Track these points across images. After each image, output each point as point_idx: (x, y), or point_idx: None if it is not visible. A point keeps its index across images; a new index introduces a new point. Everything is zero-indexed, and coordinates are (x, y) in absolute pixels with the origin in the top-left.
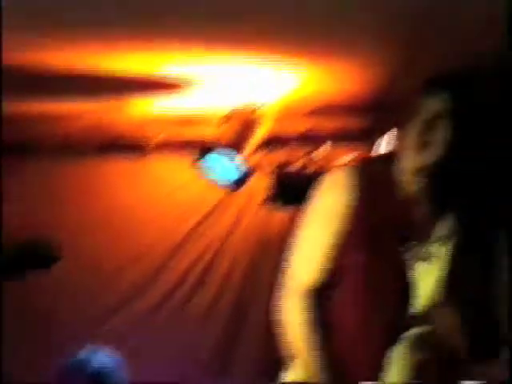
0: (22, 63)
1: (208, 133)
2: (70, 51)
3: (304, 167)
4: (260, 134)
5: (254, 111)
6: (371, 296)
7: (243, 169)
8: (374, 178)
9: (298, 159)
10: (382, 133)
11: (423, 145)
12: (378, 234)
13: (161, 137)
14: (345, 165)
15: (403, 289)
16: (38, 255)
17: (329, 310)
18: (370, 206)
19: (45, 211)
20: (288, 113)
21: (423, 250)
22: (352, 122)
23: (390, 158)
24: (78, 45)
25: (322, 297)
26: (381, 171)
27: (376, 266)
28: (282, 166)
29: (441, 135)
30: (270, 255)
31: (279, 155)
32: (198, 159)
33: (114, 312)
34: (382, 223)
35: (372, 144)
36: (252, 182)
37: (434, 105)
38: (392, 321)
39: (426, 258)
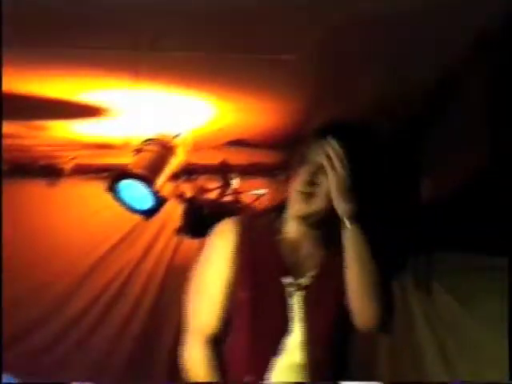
0: None
1: (123, 160)
2: None
3: (215, 199)
4: (174, 163)
5: (169, 141)
6: (257, 328)
7: (156, 197)
8: (256, 227)
9: (210, 191)
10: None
11: (308, 195)
12: (260, 274)
13: (76, 162)
14: (232, 216)
15: (287, 317)
16: None
17: (224, 350)
18: (251, 251)
19: None
20: (202, 144)
21: (300, 283)
22: (266, 157)
23: (277, 208)
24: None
25: (219, 341)
26: (264, 221)
27: (260, 301)
28: (193, 197)
29: (324, 187)
30: (181, 282)
31: (192, 186)
32: (112, 186)
33: (20, 338)
34: (263, 264)
35: (285, 179)
36: (165, 210)
37: (319, 155)
38: (277, 346)
39: (301, 292)
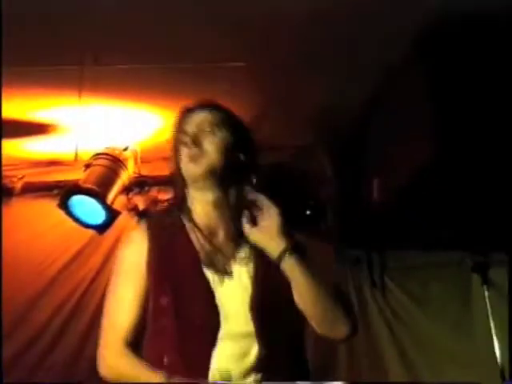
0: None
1: (73, 176)
2: None
3: (169, 211)
4: (125, 176)
5: (118, 154)
6: (181, 329)
7: (109, 211)
8: (165, 227)
9: (162, 202)
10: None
11: (194, 157)
12: (179, 273)
13: (25, 180)
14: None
15: (213, 313)
16: None
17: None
18: (164, 254)
19: None
20: (152, 156)
21: (226, 269)
22: None
23: (177, 200)
24: None
25: (136, 344)
26: (172, 217)
27: (182, 303)
28: (146, 209)
29: (210, 145)
30: None
31: (144, 198)
32: (64, 202)
33: None
34: (180, 263)
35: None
36: (118, 224)
37: (194, 123)
38: (205, 346)
39: (228, 277)
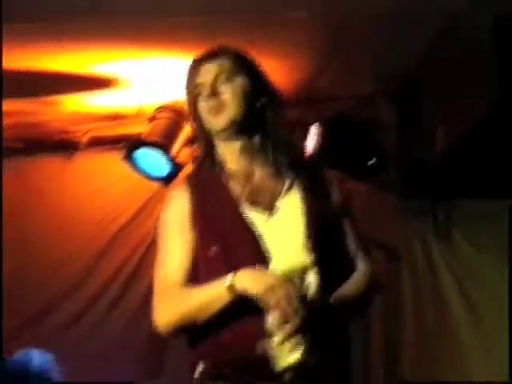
0: None
1: (138, 129)
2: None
3: (203, 164)
4: (189, 129)
5: (182, 107)
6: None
7: (173, 164)
8: (199, 179)
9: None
10: (307, 126)
11: (214, 110)
12: (222, 223)
13: (90, 134)
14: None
15: (262, 257)
16: None
17: None
18: (203, 204)
19: None
20: None
21: (271, 206)
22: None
23: (206, 154)
24: (7, 44)
25: None
26: (205, 169)
27: (230, 251)
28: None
29: (229, 94)
30: None
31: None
32: (129, 155)
33: (47, 312)
34: (222, 211)
35: (300, 137)
36: (182, 175)
37: (207, 73)
38: None
39: (276, 213)
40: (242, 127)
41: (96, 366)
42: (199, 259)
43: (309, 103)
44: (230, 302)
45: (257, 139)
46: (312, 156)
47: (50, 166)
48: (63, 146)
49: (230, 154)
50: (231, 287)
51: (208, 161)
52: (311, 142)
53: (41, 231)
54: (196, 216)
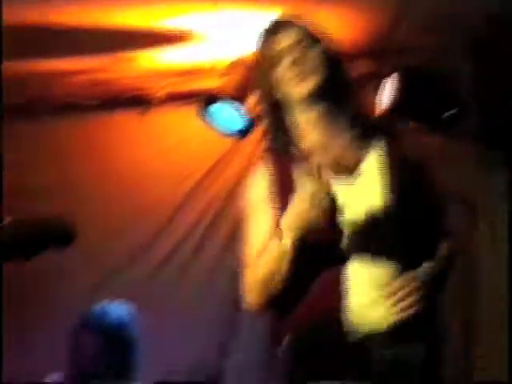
0: (23, 20)
1: (212, 83)
2: (73, 6)
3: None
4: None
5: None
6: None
7: (248, 118)
8: (277, 157)
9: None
10: (382, 78)
11: (297, 78)
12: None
13: (164, 89)
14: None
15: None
16: (55, 233)
17: None
18: (283, 180)
19: (48, 171)
20: None
21: (353, 174)
22: (352, 68)
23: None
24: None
25: None
26: (281, 146)
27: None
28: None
29: (311, 62)
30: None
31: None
32: (203, 110)
33: (122, 267)
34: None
35: (374, 89)
36: (257, 131)
37: (284, 42)
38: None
39: (356, 182)
40: (323, 94)
41: (176, 319)
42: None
43: (385, 55)
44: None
45: (334, 106)
46: (388, 109)
47: (125, 123)
48: (138, 102)
49: (307, 123)
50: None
51: (280, 136)
52: (387, 94)
53: (116, 186)
54: (276, 193)
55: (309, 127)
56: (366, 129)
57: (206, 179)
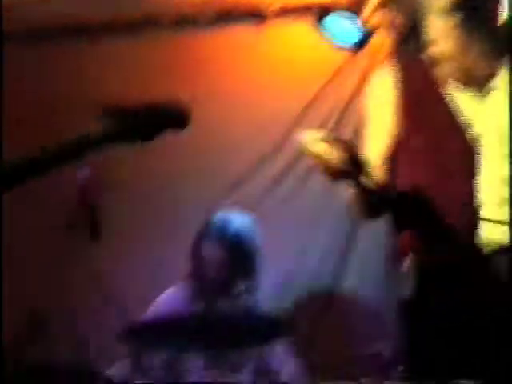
0: None
1: None
2: None
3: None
4: None
5: None
6: (437, 165)
7: (364, 30)
8: (404, 62)
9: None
10: None
11: None
12: (428, 107)
13: (279, 3)
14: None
15: (470, 143)
16: (171, 115)
17: None
18: (408, 87)
19: (165, 85)
20: None
21: (484, 89)
22: None
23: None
24: None
25: None
26: (411, 51)
27: (435, 137)
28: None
29: None
30: None
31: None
32: (318, 23)
33: (241, 180)
34: (428, 95)
35: None
36: (373, 42)
37: None
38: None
39: (488, 97)
40: (463, 3)
41: (294, 231)
42: (400, 148)
43: None
44: None
45: (472, 17)
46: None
47: (239, 36)
48: (253, 15)
49: (443, 30)
50: None
51: (413, 40)
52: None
53: (231, 102)
54: (399, 100)
55: (443, 35)
56: (501, 43)
57: (322, 92)
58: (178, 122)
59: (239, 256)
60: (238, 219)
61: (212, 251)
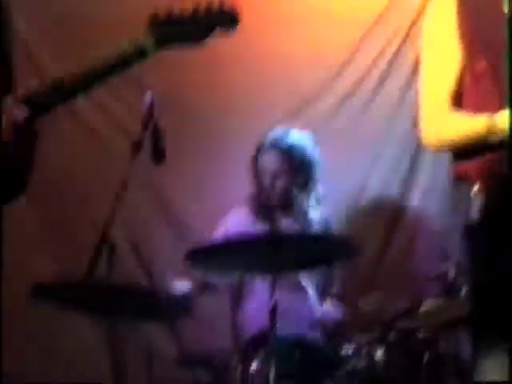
0: None
1: None
2: None
3: None
4: None
5: None
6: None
7: None
8: None
9: None
10: None
11: None
12: (492, 34)
13: None
14: None
15: None
16: (220, 14)
17: None
18: (471, 13)
19: None
20: None
21: None
22: None
23: None
24: None
25: None
26: None
27: (499, 64)
28: None
29: None
30: None
31: None
32: None
33: (306, 102)
34: (492, 23)
35: None
36: None
37: None
38: None
39: None
40: None
41: (357, 154)
42: (465, 74)
43: None
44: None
45: None
46: None
47: None
48: None
49: None
50: (491, 127)
51: None
52: None
53: (289, 23)
54: (463, 22)
55: None
56: None
57: (381, 19)
58: (227, 21)
59: (297, 165)
60: (296, 133)
61: (268, 160)
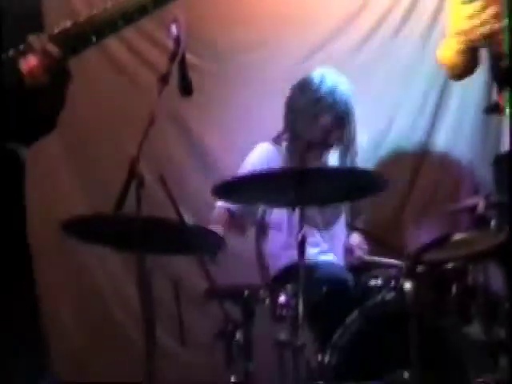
0: None
1: None
2: None
3: None
4: None
5: None
6: None
7: None
8: None
9: None
10: None
11: None
12: None
13: None
14: None
15: None
16: None
17: None
18: None
19: None
20: None
21: None
22: None
23: None
24: None
25: None
26: None
27: None
28: None
29: None
30: None
31: None
32: None
33: (329, 38)
34: None
35: None
36: None
37: None
38: None
39: None
40: None
41: (381, 92)
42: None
43: None
44: None
45: None
46: None
47: None
48: None
49: None
50: None
51: None
52: None
53: None
54: None
55: None
56: None
57: None
58: None
59: (348, 121)
60: (334, 77)
61: (324, 119)
